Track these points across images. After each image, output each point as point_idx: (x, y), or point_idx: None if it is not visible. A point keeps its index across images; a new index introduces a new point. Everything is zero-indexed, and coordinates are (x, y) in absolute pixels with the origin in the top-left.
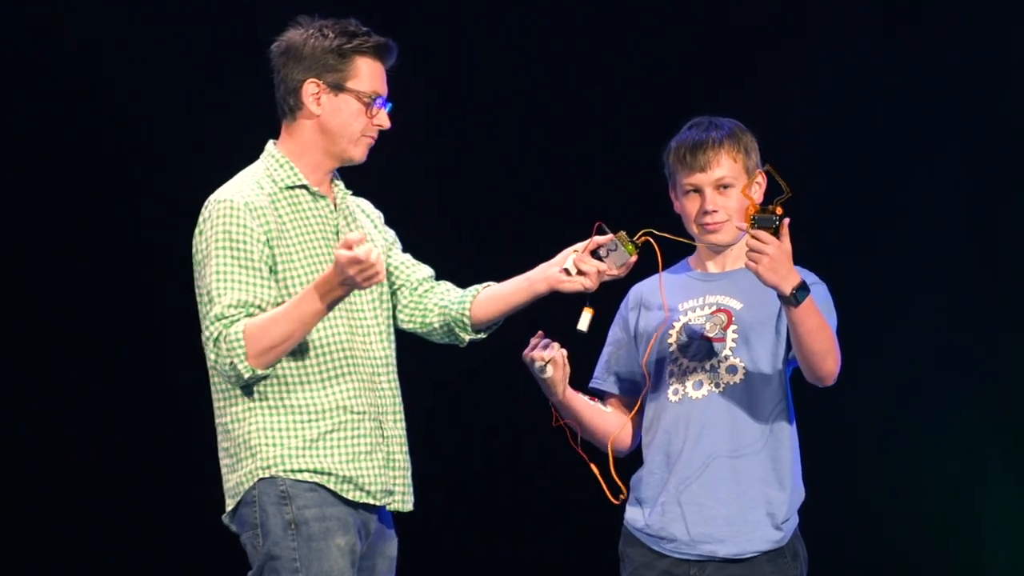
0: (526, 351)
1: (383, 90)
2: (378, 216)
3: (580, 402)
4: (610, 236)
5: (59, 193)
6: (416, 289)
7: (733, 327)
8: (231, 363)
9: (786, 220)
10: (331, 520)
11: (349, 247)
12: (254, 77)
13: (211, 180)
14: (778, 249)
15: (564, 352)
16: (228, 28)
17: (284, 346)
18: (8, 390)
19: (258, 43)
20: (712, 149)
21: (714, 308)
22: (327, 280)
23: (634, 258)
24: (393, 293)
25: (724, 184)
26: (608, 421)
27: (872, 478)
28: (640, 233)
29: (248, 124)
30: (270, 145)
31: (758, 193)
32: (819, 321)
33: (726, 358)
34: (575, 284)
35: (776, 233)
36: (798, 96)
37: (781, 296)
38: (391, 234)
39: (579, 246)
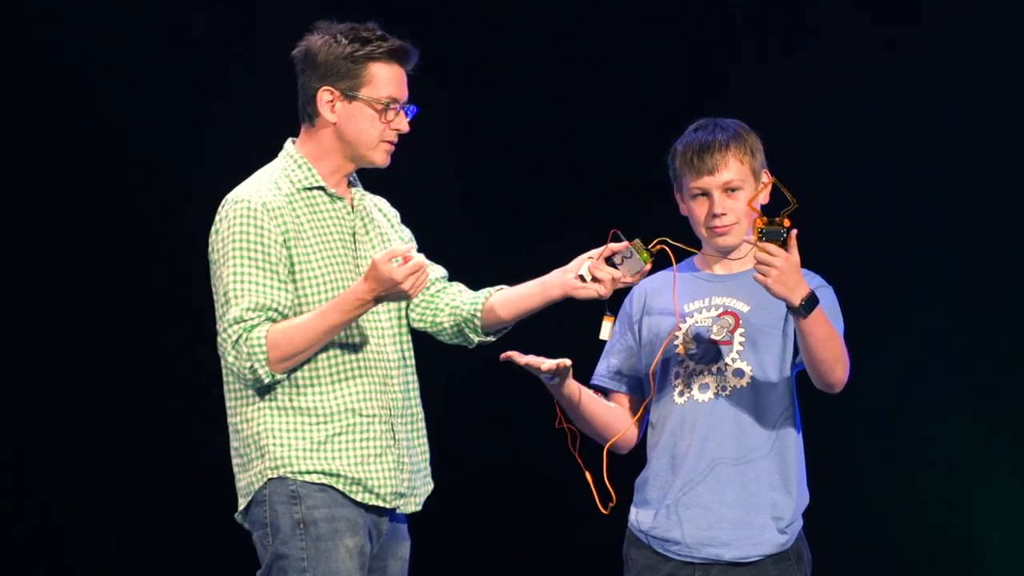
0: (532, 365)
1: (400, 94)
2: (394, 215)
3: (585, 395)
4: (625, 244)
5: (61, 193)
6: (428, 288)
7: (740, 330)
8: (251, 367)
9: (794, 232)
10: (340, 521)
11: (401, 258)
12: (260, 77)
13: (215, 182)
14: (786, 261)
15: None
16: (231, 28)
17: (306, 354)
18: (10, 391)
19: (263, 43)
20: (719, 152)
21: (721, 310)
22: (358, 293)
23: (648, 266)
24: None
25: (732, 187)
26: (611, 418)
27: (873, 479)
28: (655, 241)
29: (252, 124)
30: (289, 145)
31: (764, 195)
32: (828, 330)
33: (733, 361)
34: (589, 291)
35: (784, 245)
36: (799, 96)
37: (790, 307)
38: (407, 233)
39: (594, 253)
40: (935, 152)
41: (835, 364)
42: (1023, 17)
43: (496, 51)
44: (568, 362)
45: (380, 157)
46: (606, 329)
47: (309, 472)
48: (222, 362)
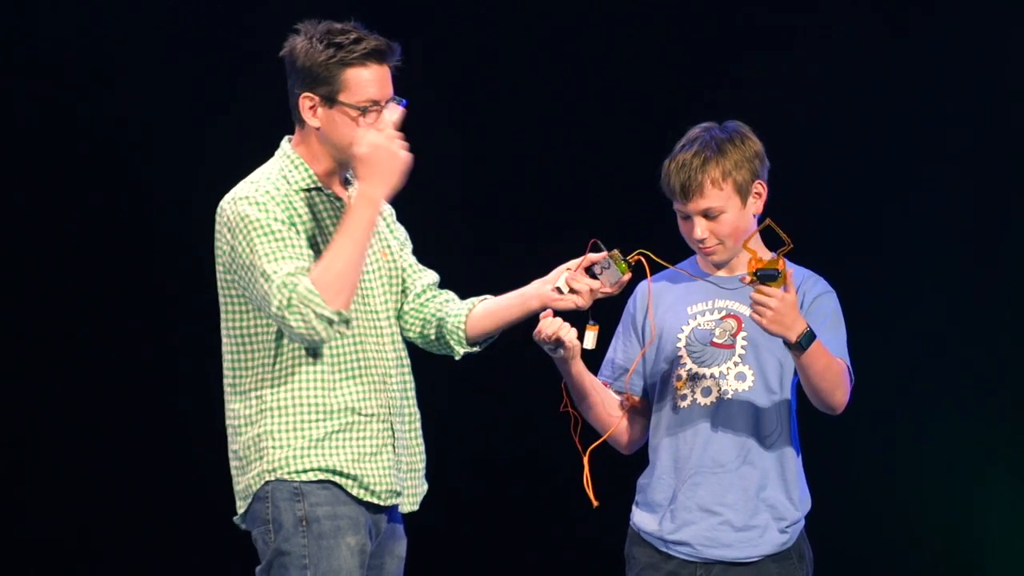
0: (536, 332)
1: (380, 94)
2: (390, 212)
3: (591, 380)
4: (604, 254)
5: (62, 194)
6: (420, 295)
7: (743, 334)
8: (315, 315)
9: (790, 271)
10: (342, 519)
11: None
12: (262, 76)
13: (218, 182)
14: (782, 302)
15: (574, 331)
16: (235, 26)
17: (351, 275)
18: (13, 391)
19: (263, 40)
20: (694, 179)
21: (724, 313)
22: (359, 189)
23: (627, 277)
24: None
25: (711, 214)
26: (613, 411)
27: (873, 479)
28: (634, 253)
29: (254, 123)
30: (285, 144)
31: (757, 205)
32: (826, 361)
33: (735, 365)
34: (567, 302)
35: (780, 284)
36: (801, 96)
37: (787, 344)
38: (402, 232)
39: (572, 263)
40: (935, 152)
41: (834, 390)
42: (1023, 17)
43: (498, 52)
44: (570, 335)
45: None
46: (589, 338)
47: (307, 470)
48: (286, 330)
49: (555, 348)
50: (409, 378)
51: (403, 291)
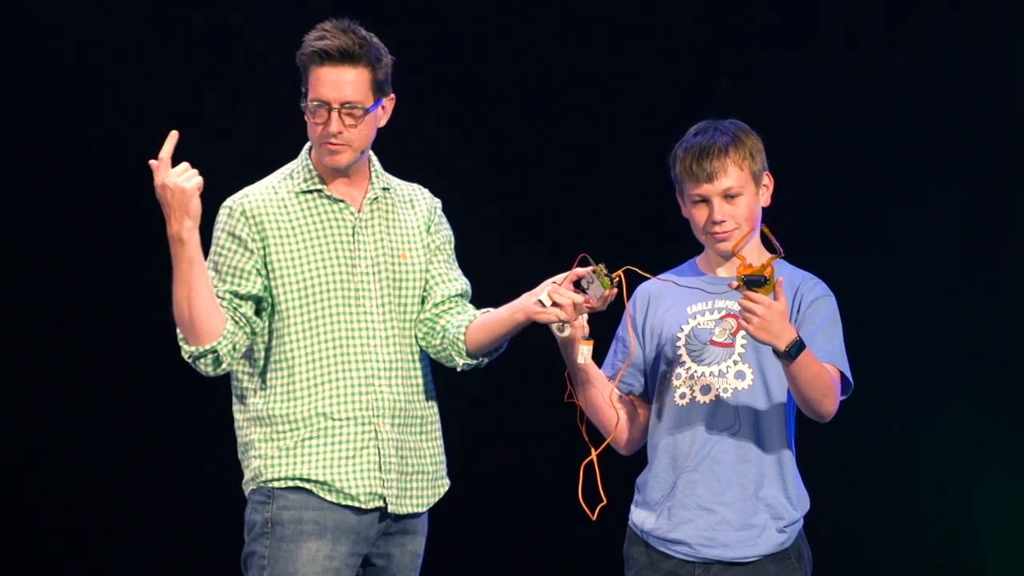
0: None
1: (330, 96)
2: (430, 208)
3: (595, 372)
4: (590, 268)
5: (65, 193)
6: (438, 305)
7: (742, 333)
8: (186, 354)
9: (779, 279)
10: (307, 523)
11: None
12: (264, 77)
13: (223, 182)
14: (768, 309)
15: (584, 316)
16: (240, 27)
17: (188, 313)
18: (15, 390)
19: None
20: (718, 159)
21: (723, 313)
22: (168, 229)
23: (611, 292)
24: (421, 301)
25: (731, 194)
26: (613, 403)
27: (873, 479)
28: (619, 270)
29: (254, 123)
30: (307, 146)
31: (765, 196)
32: (816, 370)
33: (735, 364)
34: (549, 316)
35: (768, 291)
36: (801, 98)
37: (776, 352)
38: (443, 235)
39: (559, 277)
40: (935, 152)
41: (822, 399)
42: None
43: (495, 54)
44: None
45: (326, 159)
46: (583, 353)
47: (280, 479)
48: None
49: (562, 327)
50: (418, 380)
51: (423, 299)
